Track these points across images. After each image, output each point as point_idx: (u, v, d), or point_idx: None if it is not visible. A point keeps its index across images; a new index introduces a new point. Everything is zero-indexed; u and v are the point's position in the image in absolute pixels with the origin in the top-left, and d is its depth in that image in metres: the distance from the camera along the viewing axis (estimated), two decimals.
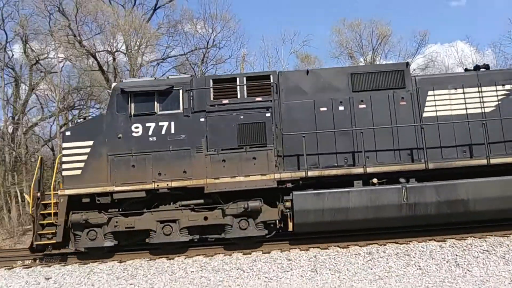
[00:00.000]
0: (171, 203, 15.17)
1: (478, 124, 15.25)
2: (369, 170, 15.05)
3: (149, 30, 38.18)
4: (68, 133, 15.90)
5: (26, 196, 16.69)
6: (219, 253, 14.86)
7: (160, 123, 15.20)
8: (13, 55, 41.25)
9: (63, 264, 15.15)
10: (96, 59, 36.36)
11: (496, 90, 15.59)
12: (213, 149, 15.20)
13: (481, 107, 15.57)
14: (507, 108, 15.40)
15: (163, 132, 15.24)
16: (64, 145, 15.58)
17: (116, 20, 36.75)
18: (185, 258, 14.50)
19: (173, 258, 14.59)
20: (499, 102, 15.52)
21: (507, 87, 15.50)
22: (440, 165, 15.16)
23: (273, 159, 15.15)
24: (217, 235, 15.25)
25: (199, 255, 14.80)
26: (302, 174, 15.03)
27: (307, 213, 14.86)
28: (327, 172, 15.18)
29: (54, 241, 15.16)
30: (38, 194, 15.18)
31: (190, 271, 13.52)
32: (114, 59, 37.47)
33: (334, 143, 15.61)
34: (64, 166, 15.27)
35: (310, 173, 15.04)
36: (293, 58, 59.52)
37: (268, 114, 15.64)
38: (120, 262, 14.65)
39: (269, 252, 14.47)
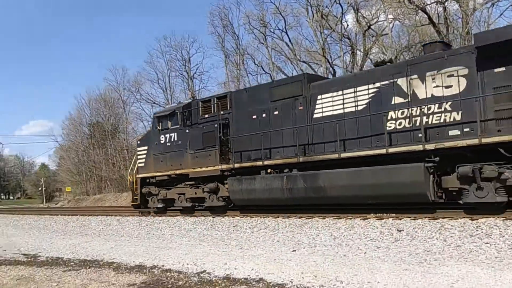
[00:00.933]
0: (182, 183, 24.06)
1: (352, 121, 18.23)
2: (266, 163, 20.25)
3: None
4: (138, 142, 27.96)
5: (129, 177, 28.38)
6: None
7: (171, 134, 23.97)
8: (347, 25, 46.51)
9: (413, 218, 15.80)
10: (426, 13, 36.55)
11: (368, 89, 17.81)
12: (192, 150, 22.78)
13: (355, 106, 18.09)
14: (375, 104, 17.59)
15: (172, 140, 23.98)
16: (137, 148, 27.62)
17: None
18: None
19: None
20: (369, 100, 17.77)
21: (377, 84, 17.62)
22: (306, 158, 19.16)
23: (218, 156, 21.91)
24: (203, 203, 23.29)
25: None
26: (231, 166, 21.49)
27: (235, 192, 21.21)
28: (244, 164, 21.10)
29: (137, 203, 26.72)
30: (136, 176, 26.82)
31: None
32: (444, 9, 37.01)
33: (260, 142, 20.53)
34: (138, 161, 26.84)
35: (236, 165, 21.32)
36: None
37: (216, 125, 22.13)
38: (472, 219, 14.28)
39: None
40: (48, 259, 13.91)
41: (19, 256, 14.79)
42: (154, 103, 62.28)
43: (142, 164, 26.56)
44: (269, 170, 20.62)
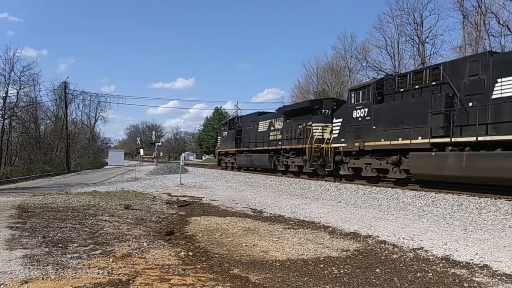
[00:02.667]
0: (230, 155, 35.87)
1: (264, 134, 26.91)
2: (243, 149, 29.95)
3: None
4: (218, 133, 45.54)
5: (216, 150, 43.77)
6: None
7: (225, 132, 35.21)
8: None
9: None
10: None
11: (269, 122, 26.67)
12: (228, 140, 33.28)
13: (264, 128, 27.15)
14: (269, 129, 26.49)
15: (225, 135, 34.87)
16: (218, 136, 41.61)
17: None
18: None
19: None
20: (268, 126, 26.65)
21: (270, 120, 26.62)
22: (251, 148, 28.65)
23: (235, 144, 31.54)
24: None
25: None
26: (236, 149, 31.42)
27: (237, 160, 31.87)
28: (239, 149, 30.65)
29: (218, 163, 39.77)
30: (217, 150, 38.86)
31: None
32: None
33: (243, 139, 30.39)
34: (218, 141, 39.65)
35: (237, 149, 31.01)
36: None
37: (235, 130, 33.06)
38: None
39: None
40: (271, 215, 11.17)
41: (247, 210, 12.18)
42: (380, 70, 42.19)
43: (219, 144, 37.15)
44: (244, 152, 30.52)
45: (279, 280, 5.38)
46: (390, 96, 15.97)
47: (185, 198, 15.09)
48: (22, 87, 44.00)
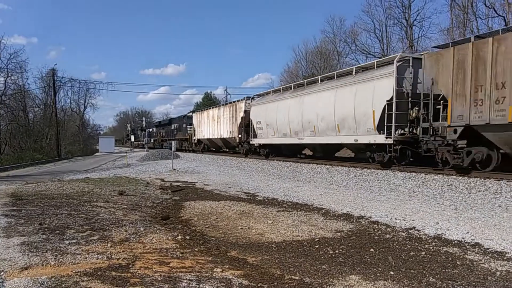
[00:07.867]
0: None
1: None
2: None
3: None
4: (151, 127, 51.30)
5: None
6: None
7: (160, 129, 58.01)
8: None
9: None
10: None
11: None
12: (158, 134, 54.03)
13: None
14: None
15: (155, 131, 41.82)
16: (154, 130, 51.53)
17: None
18: None
19: None
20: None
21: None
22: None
23: (159, 137, 53.91)
24: None
25: None
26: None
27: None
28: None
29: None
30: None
31: None
32: None
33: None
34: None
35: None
36: None
37: (164, 129, 55.41)
38: None
39: None
40: (265, 198, 11.16)
41: (241, 194, 12.15)
42: (369, 53, 42.07)
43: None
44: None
45: (276, 261, 5.41)
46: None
47: (178, 183, 15.10)
48: (9, 74, 43.51)
